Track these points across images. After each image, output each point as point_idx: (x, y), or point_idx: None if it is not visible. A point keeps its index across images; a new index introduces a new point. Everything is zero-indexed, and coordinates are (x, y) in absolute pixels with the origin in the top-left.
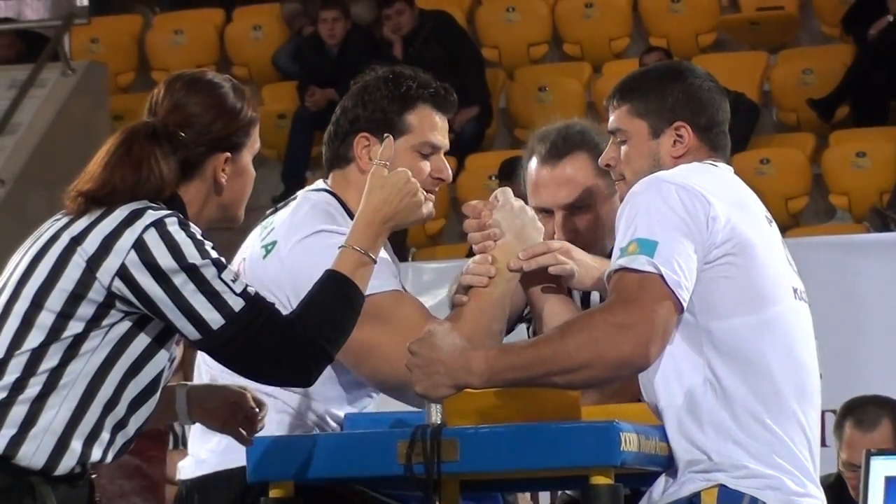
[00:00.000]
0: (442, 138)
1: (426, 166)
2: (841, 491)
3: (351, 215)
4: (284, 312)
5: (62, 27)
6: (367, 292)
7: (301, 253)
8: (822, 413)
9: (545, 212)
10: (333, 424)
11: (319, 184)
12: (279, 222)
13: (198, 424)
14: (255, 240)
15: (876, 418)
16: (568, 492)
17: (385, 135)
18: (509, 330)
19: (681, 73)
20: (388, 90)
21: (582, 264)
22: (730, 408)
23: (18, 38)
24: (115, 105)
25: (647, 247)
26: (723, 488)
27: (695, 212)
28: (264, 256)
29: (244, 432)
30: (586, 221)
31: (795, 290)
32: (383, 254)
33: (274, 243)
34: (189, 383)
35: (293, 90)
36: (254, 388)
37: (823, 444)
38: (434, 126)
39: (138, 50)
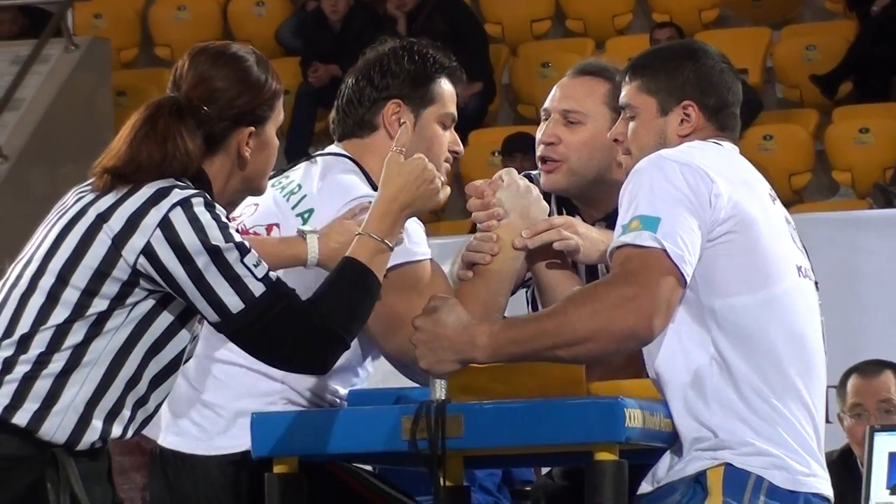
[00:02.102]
0: (455, 112)
1: (447, 138)
2: (846, 464)
3: (371, 182)
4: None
5: (65, 3)
6: (407, 259)
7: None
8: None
9: (545, 119)
10: (333, 399)
11: (333, 149)
12: (308, 188)
13: (185, 393)
14: (281, 207)
15: (878, 369)
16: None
17: (402, 121)
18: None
19: (694, 52)
20: (412, 61)
21: (586, 238)
22: (735, 385)
23: (21, 13)
24: (118, 81)
25: (650, 223)
26: (729, 467)
27: (697, 188)
28: (303, 225)
29: None
30: (572, 135)
31: (800, 268)
32: (415, 220)
33: (311, 211)
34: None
35: (296, 66)
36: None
37: (827, 420)
38: (453, 99)
39: (141, 26)
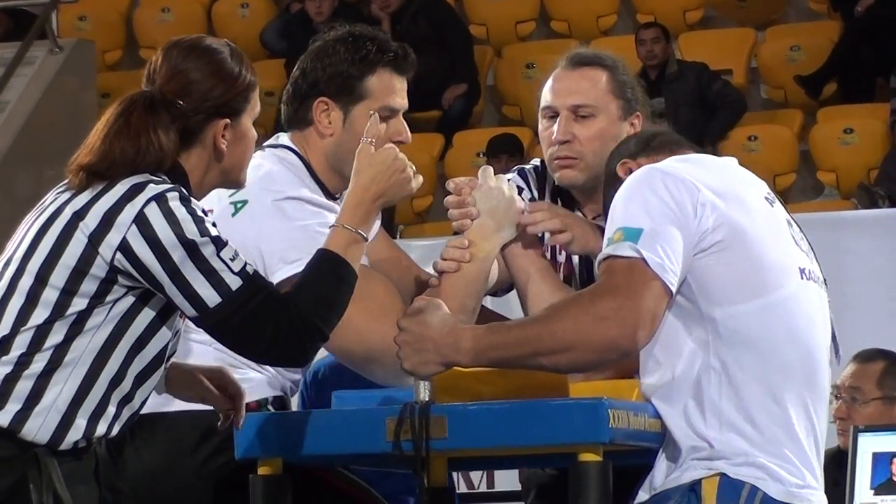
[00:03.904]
0: (401, 100)
1: (384, 130)
2: (842, 461)
3: (315, 176)
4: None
5: (50, 5)
6: None
7: (273, 215)
8: None
9: (551, 117)
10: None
11: (283, 139)
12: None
13: None
14: (220, 192)
15: (873, 355)
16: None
17: (371, 112)
18: (504, 293)
19: None
20: (347, 53)
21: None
22: (734, 396)
23: (6, 15)
24: (103, 83)
25: (632, 234)
26: (724, 477)
27: (681, 199)
28: (233, 214)
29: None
30: (586, 130)
31: (803, 271)
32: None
33: (244, 202)
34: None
35: (281, 68)
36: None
37: None
38: (393, 89)
39: (125, 27)
